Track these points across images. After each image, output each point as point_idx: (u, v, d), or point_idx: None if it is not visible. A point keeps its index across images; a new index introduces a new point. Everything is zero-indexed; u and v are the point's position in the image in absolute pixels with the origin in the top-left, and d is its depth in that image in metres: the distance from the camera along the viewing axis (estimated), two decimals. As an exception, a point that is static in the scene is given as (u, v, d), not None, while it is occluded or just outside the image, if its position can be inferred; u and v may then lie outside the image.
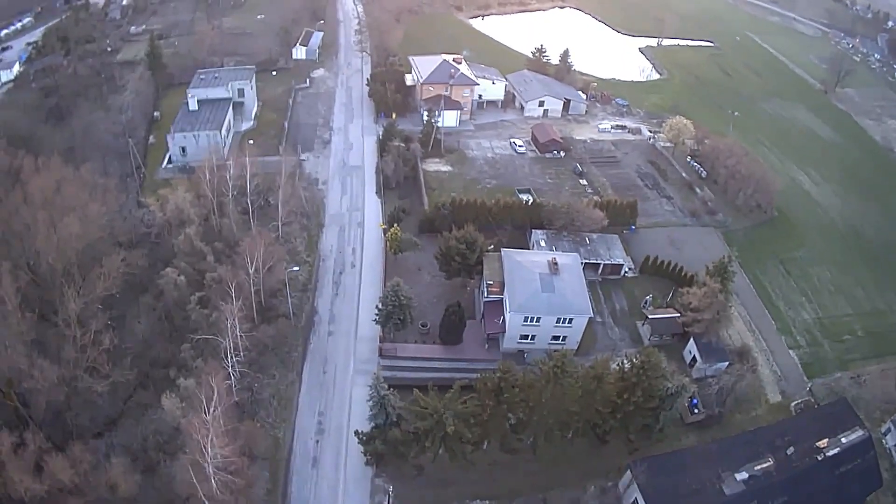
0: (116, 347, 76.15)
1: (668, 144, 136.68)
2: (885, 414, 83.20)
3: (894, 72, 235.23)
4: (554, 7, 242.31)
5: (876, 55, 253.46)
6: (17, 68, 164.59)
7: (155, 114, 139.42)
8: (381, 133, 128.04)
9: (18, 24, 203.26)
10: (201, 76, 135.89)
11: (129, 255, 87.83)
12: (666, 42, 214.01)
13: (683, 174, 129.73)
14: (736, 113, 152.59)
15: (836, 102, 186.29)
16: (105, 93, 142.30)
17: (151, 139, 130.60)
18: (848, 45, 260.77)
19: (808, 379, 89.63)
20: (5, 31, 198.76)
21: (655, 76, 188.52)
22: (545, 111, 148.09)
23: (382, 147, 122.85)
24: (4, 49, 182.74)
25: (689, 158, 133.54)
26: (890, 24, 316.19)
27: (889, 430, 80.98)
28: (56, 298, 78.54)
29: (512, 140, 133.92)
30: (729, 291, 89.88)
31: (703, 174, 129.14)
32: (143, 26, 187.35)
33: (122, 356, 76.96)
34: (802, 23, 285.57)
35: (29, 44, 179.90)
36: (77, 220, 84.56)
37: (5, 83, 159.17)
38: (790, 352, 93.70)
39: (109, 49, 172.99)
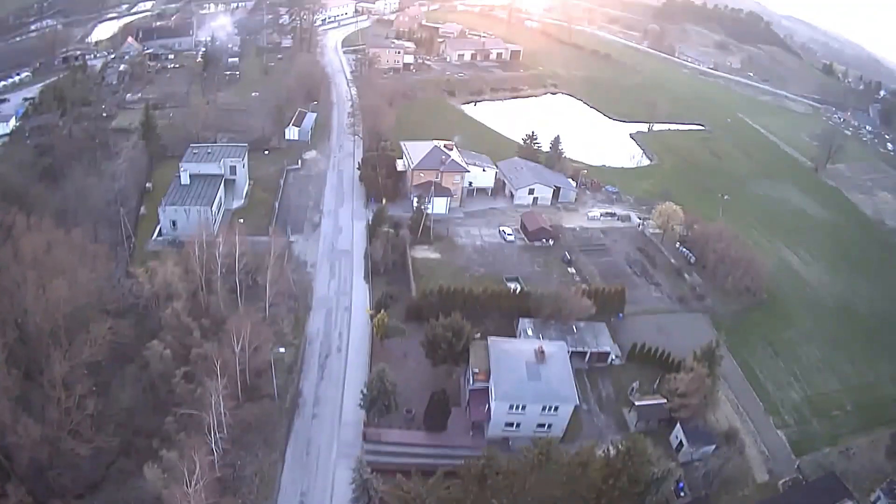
0: (100, 413, 78.53)
1: (657, 231, 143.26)
2: (875, 483, 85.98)
3: (886, 143, 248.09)
4: (546, 93, 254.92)
5: (867, 127, 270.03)
6: (13, 122, 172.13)
7: (147, 184, 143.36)
8: (370, 218, 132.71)
9: (16, 78, 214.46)
10: (194, 151, 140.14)
11: (116, 323, 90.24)
12: (657, 127, 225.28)
13: (672, 260, 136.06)
14: (726, 196, 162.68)
15: (826, 179, 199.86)
16: (99, 158, 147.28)
17: (143, 210, 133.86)
18: (839, 118, 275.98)
19: (796, 457, 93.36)
20: (3, 83, 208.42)
21: (646, 162, 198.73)
22: (535, 199, 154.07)
23: (372, 232, 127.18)
24: (1, 101, 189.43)
25: (678, 244, 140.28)
26: (882, 93, 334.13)
27: (878, 498, 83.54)
28: (42, 358, 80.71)
29: (501, 228, 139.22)
30: (716, 376, 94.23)
31: (692, 259, 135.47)
32: (139, 94, 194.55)
33: (105, 422, 78.97)
34: (794, 100, 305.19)
35: (26, 99, 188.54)
36: (66, 283, 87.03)
37: (1, 136, 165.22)
38: (778, 431, 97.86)
39: (105, 114, 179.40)
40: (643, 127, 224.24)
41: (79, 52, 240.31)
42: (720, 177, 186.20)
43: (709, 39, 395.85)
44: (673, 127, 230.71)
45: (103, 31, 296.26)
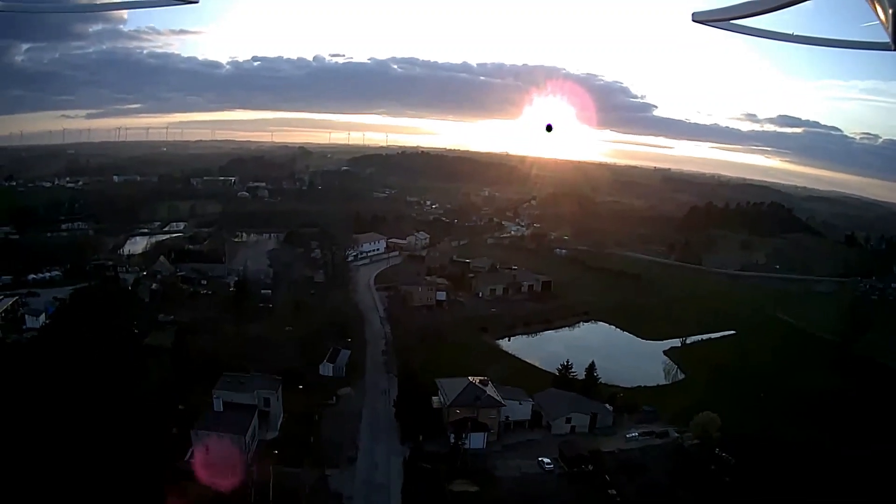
0: None
1: (695, 441, 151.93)
2: None
3: None
4: (579, 321, 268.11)
5: (893, 285, 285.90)
6: (42, 318, 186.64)
7: (179, 406, 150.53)
8: (407, 454, 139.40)
9: (47, 275, 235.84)
10: (227, 379, 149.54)
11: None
12: (690, 340, 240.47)
13: (712, 467, 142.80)
14: (762, 394, 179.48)
15: (858, 352, 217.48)
16: (129, 375, 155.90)
17: (174, 430, 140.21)
18: (865, 286, 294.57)
19: None
20: (33, 277, 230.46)
21: (681, 376, 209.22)
22: (572, 427, 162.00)
23: (408, 469, 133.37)
24: (32, 295, 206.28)
25: (717, 450, 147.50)
26: None
27: None
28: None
29: (540, 458, 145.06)
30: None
31: (732, 462, 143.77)
32: (172, 317, 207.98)
33: None
34: (820, 281, 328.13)
35: (56, 299, 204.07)
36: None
37: (30, 329, 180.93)
38: None
39: (136, 331, 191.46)
40: (676, 342, 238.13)
41: (110, 263, 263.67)
42: (755, 377, 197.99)
43: (733, 241, 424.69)
44: (705, 337, 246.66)
45: (134, 245, 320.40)
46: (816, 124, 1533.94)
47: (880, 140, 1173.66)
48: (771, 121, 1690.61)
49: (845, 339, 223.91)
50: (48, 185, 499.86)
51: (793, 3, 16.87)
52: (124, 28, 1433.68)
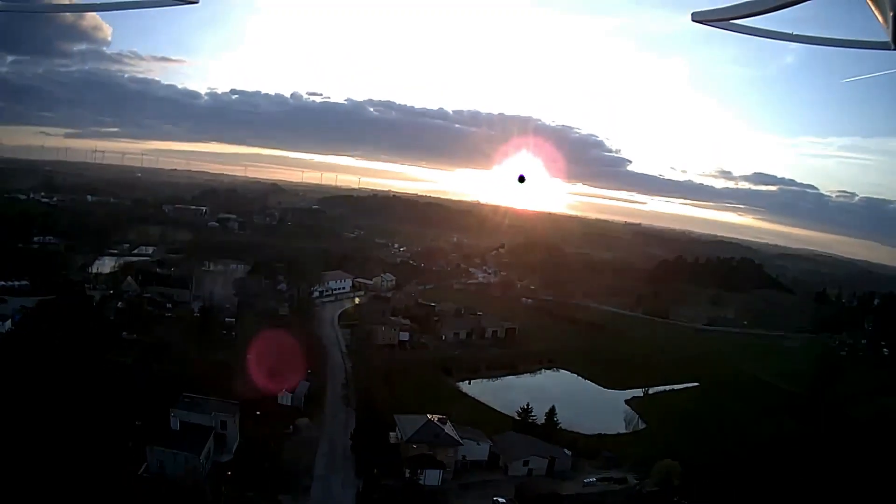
0: None
1: (654, 489, 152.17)
2: None
3: (881, 348, 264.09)
4: (541, 369, 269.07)
5: (863, 340, 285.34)
6: (9, 324, 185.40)
7: (137, 422, 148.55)
8: (360, 486, 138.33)
9: (15, 283, 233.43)
10: (186, 400, 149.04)
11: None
12: (653, 390, 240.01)
13: None
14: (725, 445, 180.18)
15: (826, 406, 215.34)
16: (90, 390, 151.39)
17: (130, 444, 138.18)
18: (835, 342, 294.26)
19: None
20: (1, 284, 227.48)
21: (642, 426, 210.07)
22: (530, 470, 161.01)
23: (361, 501, 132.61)
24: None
25: (676, 498, 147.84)
26: (875, 301, 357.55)
27: None
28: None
29: (495, 497, 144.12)
30: None
31: None
32: (135, 336, 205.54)
33: None
34: (789, 338, 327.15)
35: (24, 307, 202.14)
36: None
37: None
38: None
39: (100, 348, 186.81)
40: (638, 392, 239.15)
41: (78, 280, 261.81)
42: (719, 427, 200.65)
43: (702, 295, 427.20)
44: (668, 388, 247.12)
45: (103, 265, 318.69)
46: (792, 182, 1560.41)
47: (857, 198, 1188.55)
48: (746, 178, 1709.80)
49: (812, 391, 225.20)
50: (23, 198, 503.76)
51: (793, 3, 17.19)
52: (107, 50, 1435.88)
